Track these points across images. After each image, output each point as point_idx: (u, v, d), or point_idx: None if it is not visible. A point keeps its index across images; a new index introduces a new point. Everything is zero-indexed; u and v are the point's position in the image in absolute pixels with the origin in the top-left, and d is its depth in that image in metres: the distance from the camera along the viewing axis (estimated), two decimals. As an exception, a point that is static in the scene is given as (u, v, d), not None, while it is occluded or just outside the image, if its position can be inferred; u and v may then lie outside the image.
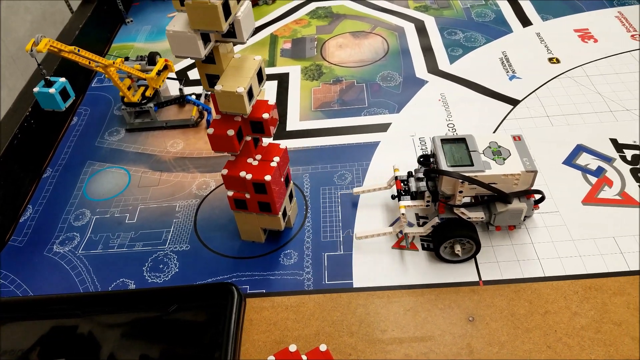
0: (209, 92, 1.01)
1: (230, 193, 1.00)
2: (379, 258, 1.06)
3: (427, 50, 1.65)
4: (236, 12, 0.77)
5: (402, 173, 1.10)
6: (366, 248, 1.08)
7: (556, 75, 1.50)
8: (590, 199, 1.14)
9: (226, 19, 0.74)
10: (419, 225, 1.11)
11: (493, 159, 0.95)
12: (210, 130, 0.89)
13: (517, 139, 0.99)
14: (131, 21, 1.93)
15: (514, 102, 1.42)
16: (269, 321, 0.97)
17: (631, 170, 1.19)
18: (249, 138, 0.95)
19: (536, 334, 0.91)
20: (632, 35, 1.62)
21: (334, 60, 1.65)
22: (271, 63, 1.66)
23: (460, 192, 0.94)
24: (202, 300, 0.96)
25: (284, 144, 1.34)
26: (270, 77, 1.60)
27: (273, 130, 0.94)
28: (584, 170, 1.21)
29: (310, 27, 1.82)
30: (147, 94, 1.43)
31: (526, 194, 0.96)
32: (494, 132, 1.34)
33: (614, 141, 1.27)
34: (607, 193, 1.15)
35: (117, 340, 0.93)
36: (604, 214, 1.11)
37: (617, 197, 1.14)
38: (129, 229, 1.18)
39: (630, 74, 1.47)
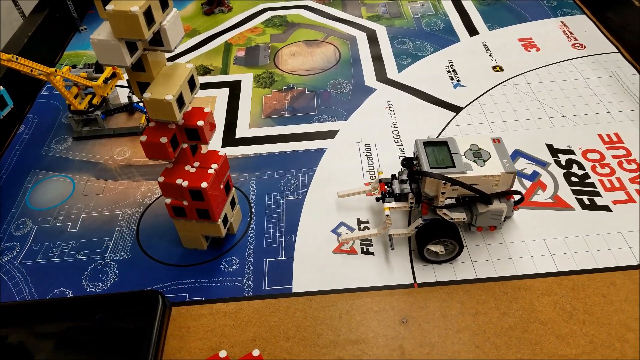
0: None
1: (168, 200, 1.00)
2: (319, 263, 1.08)
3: (377, 59, 1.68)
4: (161, 20, 0.78)
5: (387, 176, 1.11)
6: (307, 253, 1.10)
7: (499, 83, 1.55)
8: (525, 203, 1.18)
9: (149, 28, 0.75)
10: (359, 229, 1.14)
11: (474, 161, 0.97)
12: (143, 138, 0.90)
13: (496, 141, 1.01)
14: (85, 29, 1.92)
15: (456, 110, 1.46)
16: (207, 328, 0.98)
17: (564, 174, 1.24)
18: (185, 145, 0.96)
19: (466, 335, 0.94)
20: (573, 44, 1.69)
21: (287, 68, 1.67)
22: (224, 71, 1.67)
23: (443, 193, 0.96)
24: (129, 308, 0.96)
25: (233, 151, 1.36)
26: (223, 84, 1.61)
27: (210, 136, 0.96)
28: (520, 174, 1.25)
29: (265, 36, 1.84)
30: (95, 101, 1.42)
31: (506, 194, 0.98)
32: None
33: (549, 146, 1.32)
34: (540, 197, 1.19)
35: (44, 349, 0.92)
36: (536, 217, 1.15)
37: (550, 200, 1.18)
38: (71, 238, 1.17)
39: (569, 82, 1.53)
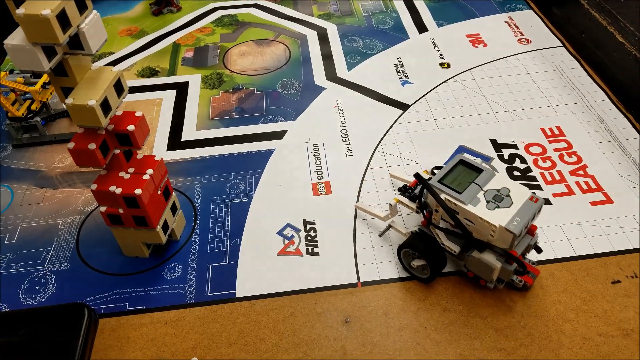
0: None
1: (104, 209, 0.97)
2: (264, 266, 1.07)
3: (327, 58, 1.68)
4: (79, 23, 0.76)
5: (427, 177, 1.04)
6: (252, 256, 1.09)
7: (446, 79, 1.56)
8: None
9: (64, 31, 0.72)
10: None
11: (488, 201, 0.88)
12: (71, 145, 0.87)
13: (534, 199, 0.89)
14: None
15: (404, 107, 1.47)
16: (147, 337, 0.95)
17: (507, 169, 1.26)
18: (118, 151, 0.93)
19: (407, 332, 0.94)
20: (519, 39, 1.72)
21: (236, 68, 1.65)
22: (171, 72, 1.64)
23: (436, 211, 0.92)
24: (53, 323, 0.92)
25: (178, 154, 1.33)
26: (169, 86, 1.58)
27: (143, 141, 0.93)
28: (464, 170, 1.26)
29: (215, 35, 1.81)
30: (33, 107, 1.38)
31: (509, 257, 0.88)
32: (384, 136, 1.38)
33: (493, 141, 1.34)
34: (483, 191, 1.21)
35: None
36: (479, 211, 1.16)
37: (492, 195, 1.20)
38: (7, 250, 1.13)
39: (514, 77, 1.56)
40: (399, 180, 1.19)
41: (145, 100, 1.52)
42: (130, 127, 0.89)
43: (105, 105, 0.82)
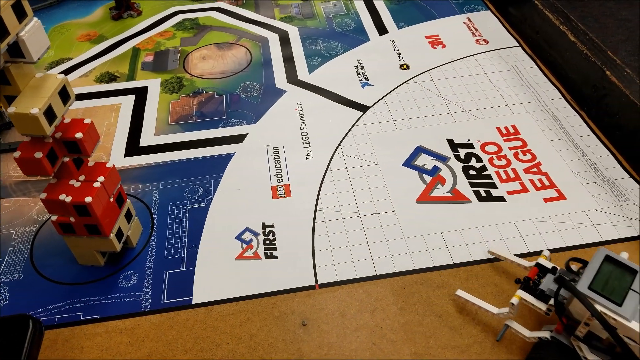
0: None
1: (54, 217, 0.96)
2: (221, 271, 1.07)
3: (289, 61, 1.68)
4: (18, 31, 0.75)
5: (547, 263, 0.91)
6: (209, 262, 1.08)
7: (405, 80, 1.58)
8: (424, 198, 1.21)
9: (2, 40, 0.71)
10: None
11: None
12: (17, 154, 0.85)
13: None
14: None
15: (364, 109, 1.48)
16: (101, 347, 0.94)
17: (463, 168, 1.28)
18: (67, 159, 0.92)
19: (363, 333, 0.95)
20: (477, 40, 1.75)
21: (196, 72, 1.64)
22: (130, 77, 1.62)
23: (587, 324, 0.77)
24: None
25: (136, 160, 1.32)
26: (128, 91, 1.56)
27: (93, 148, 0.92)
28: (421, 170, 1.28)
29: (175, 39, 1.80)
30: (-14, 115, 1.34)
31: None
32: (344, 137, 1.39)
33: (450, 141, 1.36)
34: (439, 191, 1.23)
35: None
36: (435, 211, 1.18)
37: (449, 194, 1.22)
38: (-43, 262, 1.10)
39: (472, 77, 1.59)
40: (502, 259, 1.02)
41: (103, 106, 1.50)
42: (79, 135, 0.88)
43: (50, 114, 0.81)
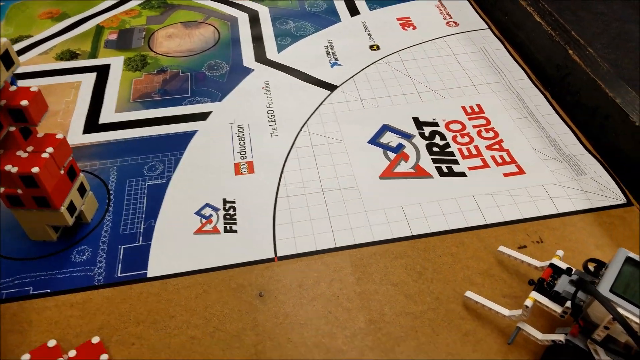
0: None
1: (1, 190, 0.93)
2: (178, 245, 1.05)
3: (257, 40, 1.66)
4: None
5: (562, 264, 0.88)
6: (167, 236, 1.07)
7: (374, 61, 1.57)
8: (387, 174, 1.21)
9: None
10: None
11: None
12: (-43, 121, 0.82)
13: None
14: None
15: (332, 88, 1.47)
16: (51, 320, 0.92)
17: (427, 145, 1.28)
18: (13, 128, 0.89)
19: (319, 302, 0.95)
20: (447, 22, 1.75)
21: (162, 50, 1.61)
22: (92, 55, 1.59)
23: (607, 328, 0.75)
24: None
25: (95, 137, 1.29)
26: (89, 69, 1.53)
27: (40, 117, 0.89)
28: (386, 147, 1.28)
29: (141, 18, 1.76)
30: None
31: None
32: (310, 116, 1.38)
33: (416, 120, 1.36)
34: (402, 167, 1.23)
35: None
36: (397, 185, 1.18)
37: (411, 170, 1.22)
38: None
39: (440, 58, 1.59)
40: (510, 258, 0.98)
41: (62, 84, 1.47)
42: (24, 102, 0.85)
43: (-11, 77, 0.78)
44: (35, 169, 0.88)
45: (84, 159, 1.23)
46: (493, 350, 0.88)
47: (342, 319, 0.92)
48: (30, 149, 0.92)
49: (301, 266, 1.01)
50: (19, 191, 0.92)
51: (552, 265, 0.87)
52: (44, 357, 0.75)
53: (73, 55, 1.57)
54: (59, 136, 0.95)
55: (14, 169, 0.88)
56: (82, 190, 1.03)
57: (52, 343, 0.77)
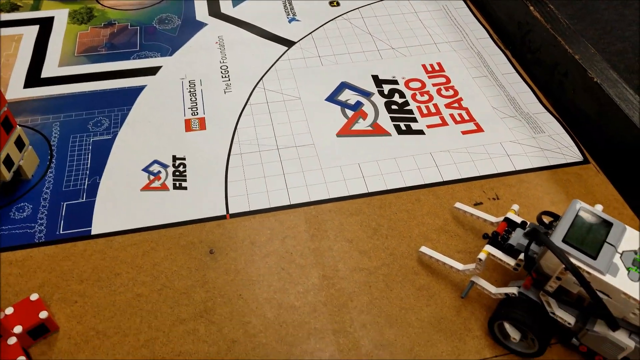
0: None
1: None
2: (125, 202, 1.01)
3: (213, -6, 1.58)
4: None
5: (517, 218, 0.87)
6: (112, 193, 1.02)
7: (334, 17, 1.52)
8: (345, 131, 1.18)
9: None
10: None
11: (628, 269, 0.70)
12: None
13: None
14: None
15: (289, 44, 1.42)
16: (-13, 279, 0.87)
17: (385, 103, 1.26)
18: (-64, 73, 0.82)
19: (272, 258, 0.92)
20: (410, -19, 1.70)
21: (109, 3, 1.52)
22: (35, 7, 1.49)
23: (558, 278, 0.74)
24: None
25: (37, 92, 1.21)
26: (31, 21, 1.43)
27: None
28: (344, 105, 1.25)
29: (89, -31, 1.65)
30: None
31: None
32: (266, 72, 1.33)
33: (375, 77, 1.33)
34: (360, 125, 1.20)
35: None
36: (354, 143, 1.15)
37: (369, 128, 1.20)
38: None
39: (402, 15, 1.55)
40: (466, 214, 0.98)
41: (3, 37, 1.37)
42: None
43: None
44: (-39, 118, 0.81)
45: (24, 113, 1.16)
46: (446, 304, 0.88)
47: (295, 275, 0.90)
48: (-44, 97, 0.85)
49: (254, 223, 0.98)
50: (-54, 143, 0.85)
51: (507, 220, 0.86)
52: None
53: (14, 7, 1.47)
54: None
55: (-62, 118, 0.81)
56: (20, 145, 0.97)
57: (-18, 300, 0.72)
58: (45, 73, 1.27)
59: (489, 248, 0.82)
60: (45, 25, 1.42)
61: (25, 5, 1.49)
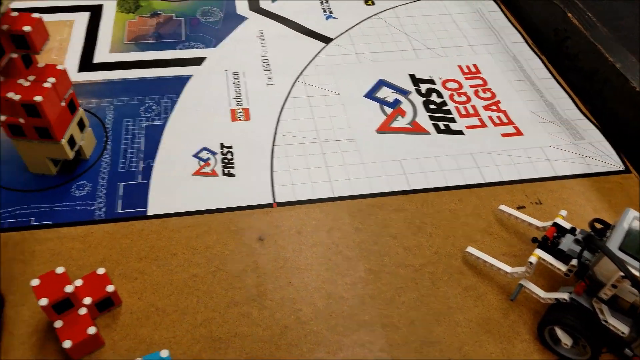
0: None
1: (3, 118, 0.91)
2: (177, 186, 1.05)
3: (253, -12, 1.62)
4: None
5: (566, 224, 0.88)
6: (165, 176, 1.07)
7: (369, 16, 1.56)
8: (384, 128, 1.22)
9: None
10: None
11: None
12: (-42, 43, 0.79)
13: None
14: None
15: (327, 40, 1.46)
16: (53, 252, 0.92)
17: (424, 102, 1.30)
18: (15, 55, 0.87)
19: (319, 249, 0.97)
20: (444, -17, 1.73)
21: (155, -7, 1.56)
22: (84, -6, 1.53)
23: (614, 286, 0.72)
24: None
25: (90, 76, 1.26)
26: (82, 8, 1.48)
27: (42, 45, 0.87)
28: (382, 102, 1.29)
29: (133, -41, 1.69)
30: None
31: None
32: (306, 67, 1.37)
33: (412, 76, 1.37)
34: (399, 122, 1.24)
35: None
36: (394, 140, 1.19)
37: (408, 126, 1.24)
38: None
39: (436, 17, 1.58)
40: (510, 217, 0.98)
41: (55, 22, 1.42)
42: (27, 28, 0.83)
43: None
44: (38, 98, 0.86)
45: (80, 96, 1.20)
46: (493, 306, 0.91)
47: (342, 267, 0.94)
48: (31, 78, 0.90)
49: (300, 213, 1.02)
50: (21, 120, 0.90)
51: (555, 225, 0.86)
52: (52, 283, 0.76)
53: (63, -8, 1.51)
54: (60, 67, 0.93)
55: (17, 97, 0.86)
56: (81, 126, 1.01)
57: (60, 270, 0.77)
58: (98, 58, 1.32)
59: (539, 252, 0.83)
60: (95, 13, 1.46)
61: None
